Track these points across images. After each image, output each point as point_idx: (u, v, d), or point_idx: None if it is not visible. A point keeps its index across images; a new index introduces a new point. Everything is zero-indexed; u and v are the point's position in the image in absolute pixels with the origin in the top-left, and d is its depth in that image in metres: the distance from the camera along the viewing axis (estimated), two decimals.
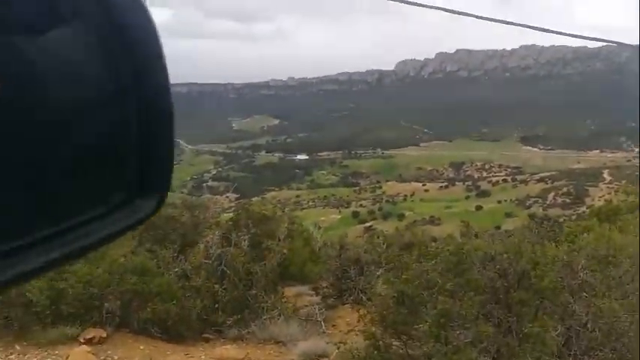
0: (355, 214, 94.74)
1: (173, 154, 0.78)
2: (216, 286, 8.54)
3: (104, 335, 7.61)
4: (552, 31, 6.05)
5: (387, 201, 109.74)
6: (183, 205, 12.29)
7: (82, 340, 7.41)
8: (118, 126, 0.74)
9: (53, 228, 0.64)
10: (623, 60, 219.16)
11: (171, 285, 8.23)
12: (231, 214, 13.46)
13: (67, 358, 6.96)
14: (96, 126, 0.71)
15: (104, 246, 0.75)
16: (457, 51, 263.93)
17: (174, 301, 7.94)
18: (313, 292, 12.18)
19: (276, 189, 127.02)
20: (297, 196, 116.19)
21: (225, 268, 8.81)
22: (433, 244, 12.98)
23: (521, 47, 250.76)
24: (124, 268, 8.01)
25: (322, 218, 73.31)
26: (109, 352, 7.39)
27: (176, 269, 8.73)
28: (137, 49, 0.75)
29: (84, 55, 0.69)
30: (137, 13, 0.75)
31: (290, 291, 10.86)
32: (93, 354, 7.13)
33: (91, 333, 7.54)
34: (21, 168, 0.60)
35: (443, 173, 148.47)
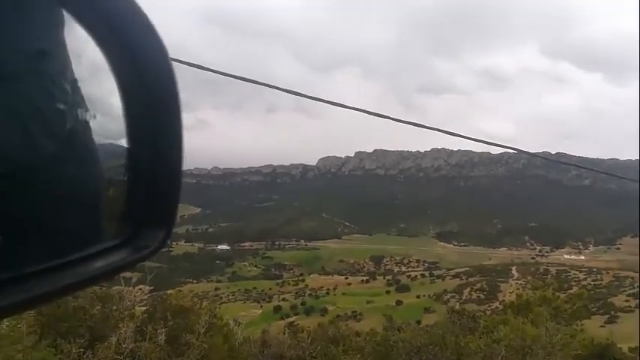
0: (277, 309, 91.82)
1: (180, 187, 0.79)
2: None
3: None
4: (460, 135, 6.63)
5: (310, 294, 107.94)
6: (94, 296, 11.41)
7: None
8: (127, 160, 0.75)
9: (58, 260, 0.64)
10: (521, 166, 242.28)
11: None
12: (144, 307, 12.62)
13: None
14: (103, 161, 0.71)
15: (109, 279, 0.78)
16: (375, 150, 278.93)
17: None
18: None
19: (194, 281, 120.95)
20: (217, 289, 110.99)
21: None
22: (358, 338, 12.89)
23: (432, 150, 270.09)
24: None
25: (242, 313, 70.20)
26: None
27: None
28: (152, 93, 0.75)
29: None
30: (153, 47, 0.73)
31: None
32: None
33: None
34: (25, 199, 0.59)
35: (364, 267, 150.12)
